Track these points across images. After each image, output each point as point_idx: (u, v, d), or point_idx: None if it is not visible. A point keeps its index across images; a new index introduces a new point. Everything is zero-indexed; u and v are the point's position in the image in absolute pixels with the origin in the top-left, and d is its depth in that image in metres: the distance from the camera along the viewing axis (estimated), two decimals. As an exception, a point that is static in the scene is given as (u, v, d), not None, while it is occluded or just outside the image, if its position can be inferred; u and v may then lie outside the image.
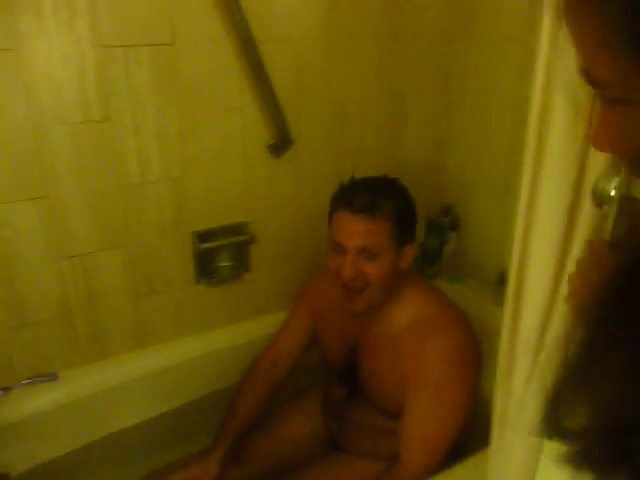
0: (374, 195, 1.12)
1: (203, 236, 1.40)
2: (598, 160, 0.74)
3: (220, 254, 1.47)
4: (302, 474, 1.30)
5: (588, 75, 0.36)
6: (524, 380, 0.89)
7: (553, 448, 0.59)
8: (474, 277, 1.73)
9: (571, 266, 0.80)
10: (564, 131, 0.77)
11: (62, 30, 1.07)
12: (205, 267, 1.44)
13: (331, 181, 1.53)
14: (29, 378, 1.25)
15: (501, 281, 1.40)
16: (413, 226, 1.19)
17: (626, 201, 0.53)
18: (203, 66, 1.24)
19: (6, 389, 1.22)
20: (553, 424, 0.40)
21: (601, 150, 0.43)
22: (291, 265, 1.57)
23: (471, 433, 1.30)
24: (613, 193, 0.60)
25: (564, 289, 0.82)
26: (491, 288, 1.57)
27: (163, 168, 1.28)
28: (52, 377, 1.32)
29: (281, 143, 1.39)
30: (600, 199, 0.61)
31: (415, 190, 1.72)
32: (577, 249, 0.78)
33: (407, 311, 1.18)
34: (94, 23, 1.09)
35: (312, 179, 1.50)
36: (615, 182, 0.61)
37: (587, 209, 0.76)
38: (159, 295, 1.40)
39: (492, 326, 0.99)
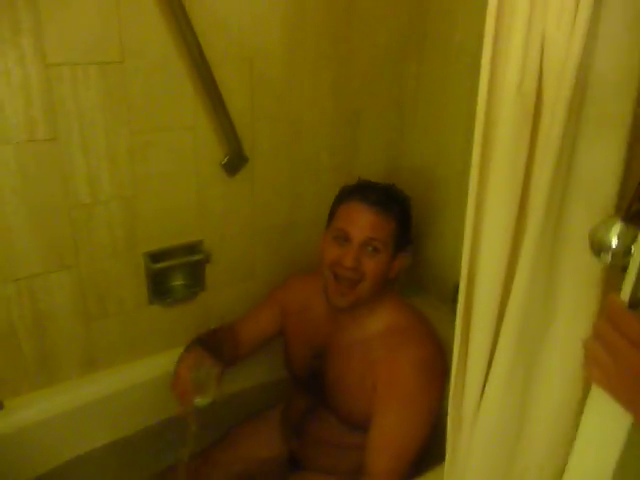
0: (387, 194, 1.21)
1: (156, 256, 1.37)
2: (543, 177, 0.76)
3: (174, 274, 1.45)
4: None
5: None
6: (476, 399, 0.90)
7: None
8: (431, 292, 1.76)
9: (518, 284, 0.82)
10: (508, 148, 0.79)
11: (5, 48, 1.04)
12: (159, 287, 1.41)
13: (286, 199, 1.54)
14: (-28, 407, 1.20)
15: (456, 296, 1.43)
16: (409, 239, 1.25)
17: None
18: (154, 84, 1.23)
19: (-54, 420, 1.17)
20: None
21: None
22: (247, 283, 1.56)
23: (431, 445, 1.31)
24: (615, 244, 0.55)
25: (511, 309, 0.83)
26: (448, 303, 1.59)
27: (114, 188, 1.26)
28: (-3, 405, 1.27)
29: (235, 162, 1.38)
30: (599, 248, 0.58)
31: (371, 207, 1.75)
32: (523, 267, 0.80)
33: (381, 319, 1.21)
34: (38, 41, 1.06)
35: (267, 197, 1.50)
36: (616, 230, 0.56)
37: (532, 226, 0.78)
38: (111, 317, 1.37)
39: (449, 342, 0.99)
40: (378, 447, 1.13)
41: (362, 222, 1.16)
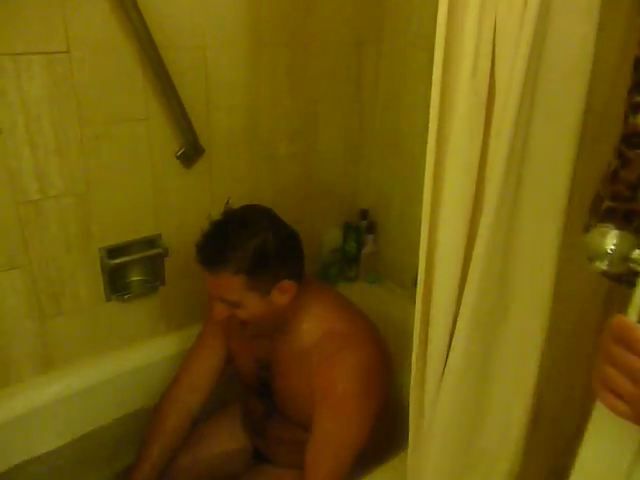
0: (222, 246, 1.06)
1: (113, 251, 1.33)
2: (497, 164, 0.76)
3: (133, 269, 1.41)
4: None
5: None
6: (436, 384, 0.91)
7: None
8: (392, 279, 1.77)
9: (474, 270, 0.83)
10: (462, 134, 0.80)
11: (-60, 38, 0.99)
12: (116, 283, 1.38)
13: (245, 189, 1.52)
14: None
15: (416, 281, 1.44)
16: (286, 263, 1.10)
17: None
18: (103, 75, 1.19)
19: None
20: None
21: None
22: (208, 276, 1.54)
23: (392, 438, 1.32)
24: (611, 249, 0.54)
25: (468, 294, 0.84)
26: (408, 289, 1.61)
27: (65, 182, 1.22)
28: (-51, 411, 1.22)
29: (191, 152, 1.35)
30: (595, 254, 0.56)
31: (331, 195, 1.75)
32: (479, 254, 0.81)
33: (316, 327, 1.16)
34: (-24, 31, 1.01)
35: (225, 187, 1.47)
36: (614, 237, 0.55)
37: (487, 215, 0.79)
38: (67, 315, 1.33)
39: (410, 327, 1.00)
40: (316, 453, 1.13)
41: (208, 283, 1.09)
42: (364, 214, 1.77)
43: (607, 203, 0.83)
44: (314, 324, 1.17)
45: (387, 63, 1.62)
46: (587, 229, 0.85)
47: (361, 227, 1.76)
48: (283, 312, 1.13)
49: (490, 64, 0.75)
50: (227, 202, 1.15)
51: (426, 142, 0.82)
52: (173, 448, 1.28)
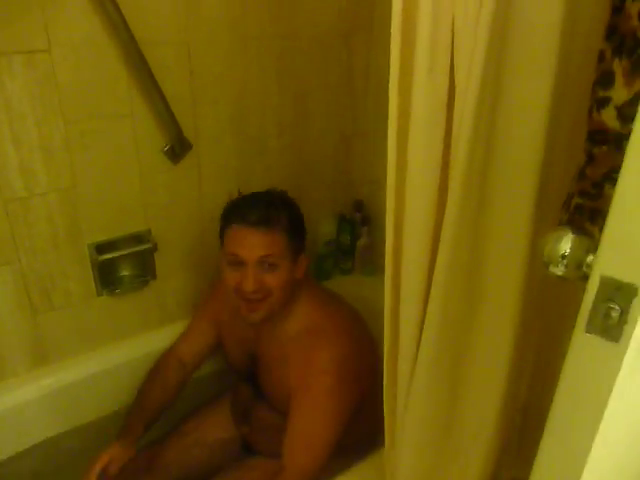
0: (268, 208, 1.14)
1: (101, 247, 1.35)
2: (460, 155, 0.75)
3: (123, 264, 1.43)
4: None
5: None
6: (407, 379, 0.91)
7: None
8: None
9: (440, 262, 0.82)
10: (423, 131, 0.79)
11: None
12: (107, 278, 1.40)
13: (234, 184, 1.52)
14: None
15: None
16: (304, 237, 1.22)
17: (608, 285, 0.49)
18: (86, 72, 1.19)
19: None
20: None
21: None
22: (198, 269, 1.54)
23: (377, 430, 1.32)
24: (564, 254, 0.55)
25: (437, 287, 0.83)
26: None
27: (50, 180, 1.23)
28: (-56, 404, 1.26)
29: (178, 148, 1.36)
30: (548, 259, 0.56)
31: (325, 187, 1.74)
32: (446, 243, 0.80)
33: (297, 320, 1.19)
34: (-47, 32, 1.02)
35: (214, 182, 1.47)
36: (568, 242, 0.55)
37: (453, 202, 0.77)
38: (58, 310, 1.35)
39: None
40: (291, 447, 1.14)
41: (251, 244, 1.12)
42: (359, 205, 1.76)
43: (576, 200, 0.81)
44: (295, 318, 1.20)
45: (378, 52, 1.60)
46: (560, 224, 0.83)
47: (355, 219, 1.75)
48: (291, 292, 1.18)
49: (449, 58, 0.73)
50: (239, 191, 1.24)
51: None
52: (162, 410, 1.31)
